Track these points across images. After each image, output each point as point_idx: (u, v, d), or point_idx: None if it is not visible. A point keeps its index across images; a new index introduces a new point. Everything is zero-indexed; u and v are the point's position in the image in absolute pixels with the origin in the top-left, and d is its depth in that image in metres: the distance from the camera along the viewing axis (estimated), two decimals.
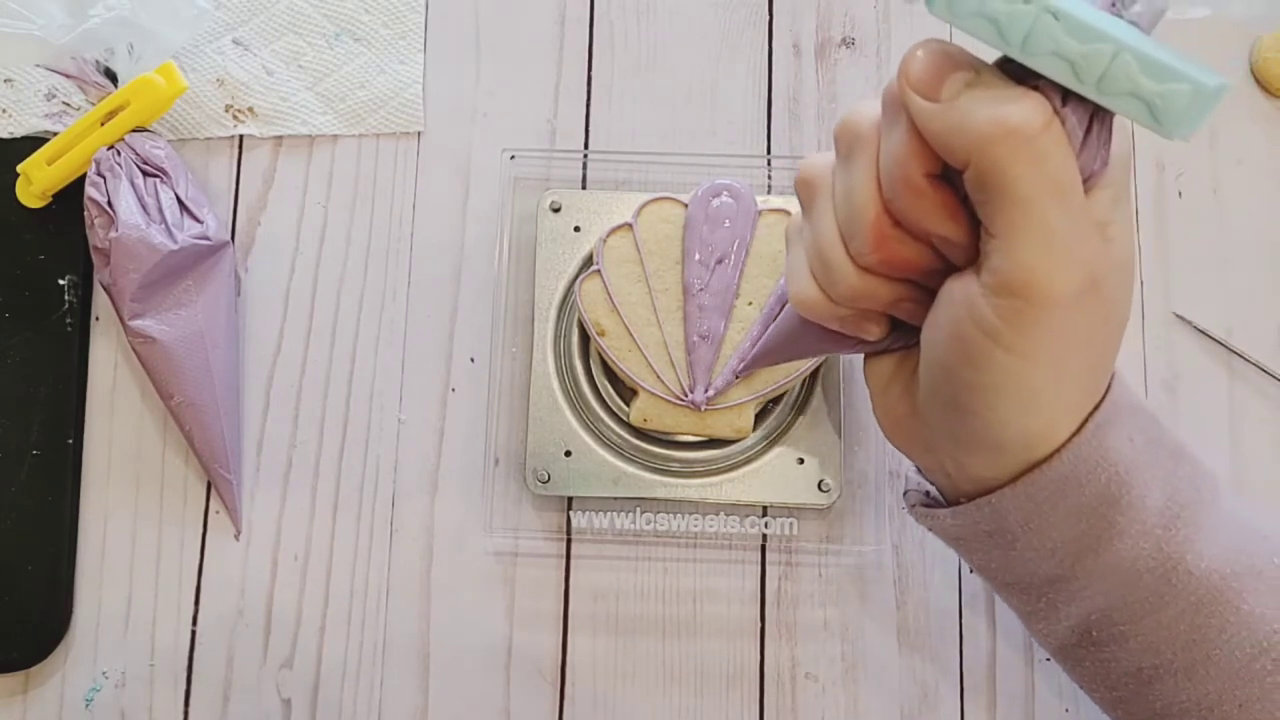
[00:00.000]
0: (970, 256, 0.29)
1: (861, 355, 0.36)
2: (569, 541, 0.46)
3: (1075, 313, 0.28)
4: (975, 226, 0.29)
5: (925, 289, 0.32)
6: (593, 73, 0.50)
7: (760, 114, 0.50)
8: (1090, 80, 0.26)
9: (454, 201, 0.49)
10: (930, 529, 0.36)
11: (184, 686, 0.45)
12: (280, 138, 0.50)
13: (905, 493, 0.38)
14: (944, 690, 0.45)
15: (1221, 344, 0.47)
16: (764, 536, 0.46)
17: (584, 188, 0.48)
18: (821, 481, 0.44)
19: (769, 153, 0.49)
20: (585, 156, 0.49)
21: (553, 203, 0.46)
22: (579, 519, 0.46)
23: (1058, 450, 0.31)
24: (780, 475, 0.45)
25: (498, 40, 0.51)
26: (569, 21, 0.51)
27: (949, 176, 0.29)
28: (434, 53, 0.50)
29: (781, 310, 0.37)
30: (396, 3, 0.50)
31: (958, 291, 0.29)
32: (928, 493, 0.36)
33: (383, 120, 0.49)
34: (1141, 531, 0.31)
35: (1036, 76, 0.26)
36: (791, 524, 0.45)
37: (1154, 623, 0.32)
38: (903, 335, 0.34)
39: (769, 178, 0.48)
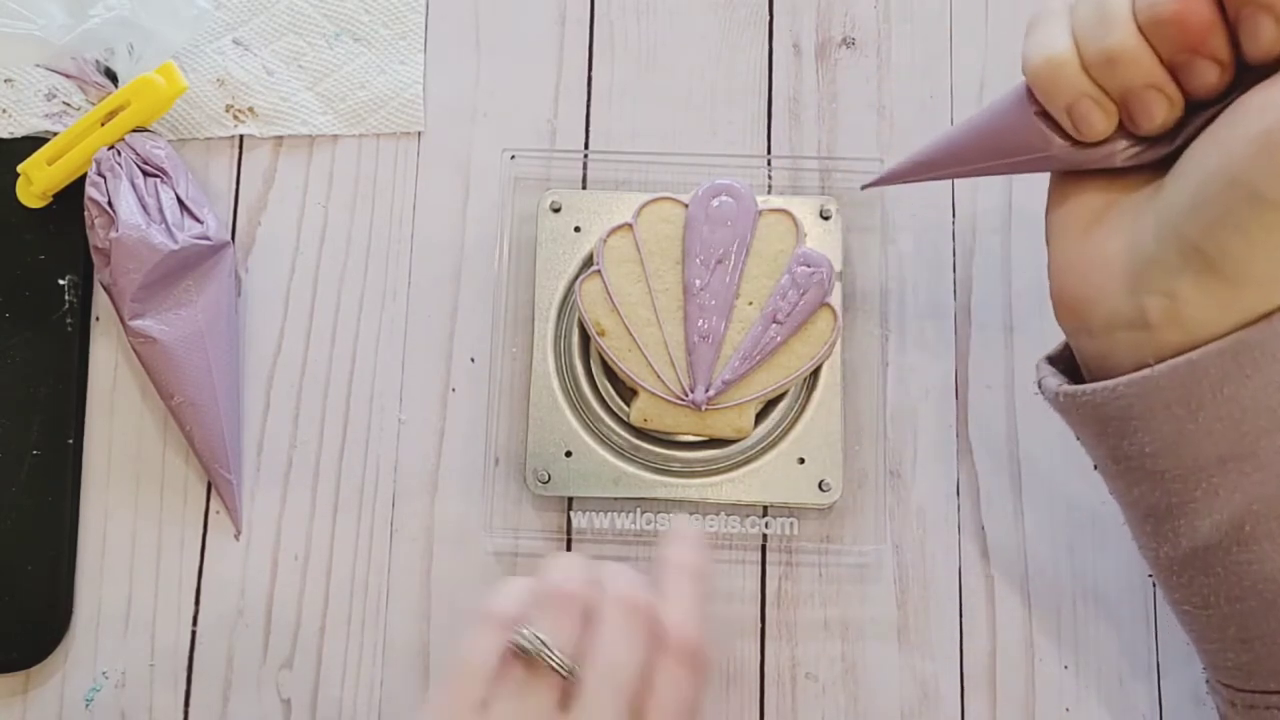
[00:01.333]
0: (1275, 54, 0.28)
1: None
2: (569, 542, 0.46)
3: None
4: None
5: (1176, 97, 0.31)
6: (593, 73, 0.50)
7: (760, 114, 0.50)
8: None
9: (454, 201, 0.49)
10: (1083, 410, 0.33)
11: (184, 686, 0.45)
12: (280, 138, 0.50)
13: (1040, 380, 0.36)
14: (944, 690, 0.45)
15: None
16: (764, 536, 0.46)
17: (584, 188, 0.48)
18: (822, 481, 0.44)
19: (769, 153, 0.49)
20: (585, 157, 0.49)
21: (553, 203, 0.46)
22: (579, 519, 0.46)
23: None
24: (780, 475, 0.45)
25: (498, 40, 0.51)
26: (569, 21, 0.51)
27: None
28: (434, 53, 0.50)
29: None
30: (396, 3, 0.50)
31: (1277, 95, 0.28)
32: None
33: (383, 120, 0.49)
34: None
35: None
36: (792, 524, 0.45)
37: None
38: (1117, 144, 0.32)
39: (769, 177, 0.48)
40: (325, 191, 0.49)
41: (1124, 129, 0.32)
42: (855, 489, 0.46)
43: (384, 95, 0.50)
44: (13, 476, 0.45)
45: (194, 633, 0.46)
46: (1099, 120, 0.32)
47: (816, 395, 0.45)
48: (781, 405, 0.46)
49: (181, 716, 0.45)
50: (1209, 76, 0.30)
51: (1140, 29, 0.30)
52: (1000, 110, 0.34)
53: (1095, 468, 0.36)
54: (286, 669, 0.45)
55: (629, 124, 0.50)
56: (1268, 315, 0.30)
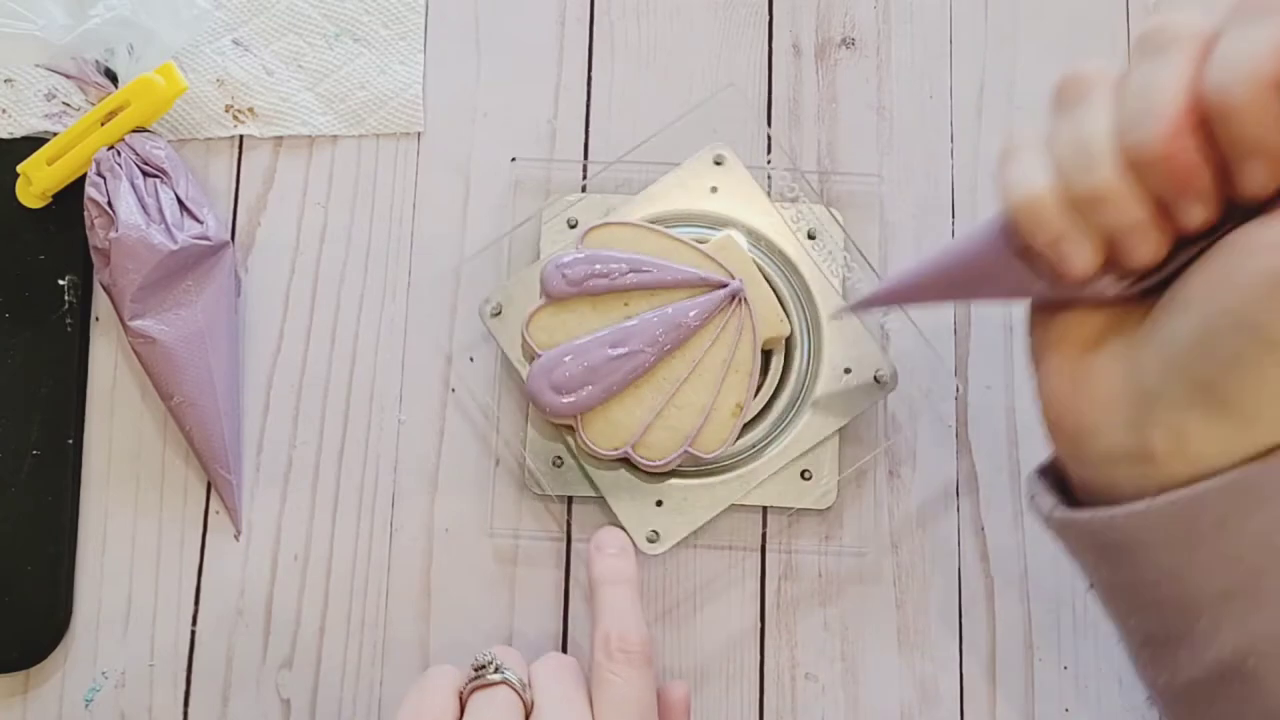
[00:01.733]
0: (1268, 188, 0.27)
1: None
2: (569, 541, 0.46)
3: None
4: None
5: (1163, 230, 0.29)
6: (593, 73, 0.50)
7: (760, 114, 0.50)
8: None
9: (454, 202, 0.49)
10: (1076, 537, 0.33)
11: (184, 687, 0.45)
12: (280, 138, 0.50)
13: (1032, 496, 0.35)
14: (944, 690, 0.45)
15: None
16: (763, 537, 0.46)
17: (584, 190, 0.48)
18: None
19: (769, 153, 0.49)
20: (585, 165, 0.49)
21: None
22: (579, 519, 0.46)
23: None
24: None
25: (498, 40, 0.51)
26: (569, 21, 0.51)
27: None
28: (434, 53, 0.50)
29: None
30: (396, 3, 0.50)
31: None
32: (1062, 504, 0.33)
33: (383, 120, 0.49)
34: None
35: None
36: (791, 524, 0.45)
37: None
38: (1102, 280, 0.31)
39: (768, 178, 0.48)
40: (325, 191, 0.49)
41: (1111, 263, 0.31)
42: (855, 489, 0.46)
43: (384, 95, 0.50)
44: (13, 476, 0.45)
45: (194, 633, 0.46)
46: (1086, 260, 0.30)
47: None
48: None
49: (181, 716, 0.45)
50: (1198, 215, 0.29)
51: (1125, 166, 0.29)
52: (978, 245, 0.33)
53: (1089, 587, 0.35)
54: (286, 669, 0.45)
55: (629, 124, 0.49)
56: (1272, 450, 0.29)
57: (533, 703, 0.35)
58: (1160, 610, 0.32)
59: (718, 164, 0.47)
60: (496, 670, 0.35)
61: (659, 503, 0.44)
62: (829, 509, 0.45)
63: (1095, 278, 0.31)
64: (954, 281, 0.34)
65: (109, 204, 0.44)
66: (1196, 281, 0.29)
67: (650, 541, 0.44)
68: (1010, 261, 0.31)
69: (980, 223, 0.33)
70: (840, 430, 0.45)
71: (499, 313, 0.45)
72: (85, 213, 0.45)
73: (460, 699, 0.36)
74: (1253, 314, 0.28)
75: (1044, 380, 0.33)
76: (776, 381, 0.45)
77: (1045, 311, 0.34)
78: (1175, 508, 0.30)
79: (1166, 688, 0.33)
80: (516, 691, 0.35)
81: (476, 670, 0.36)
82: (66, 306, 0.47)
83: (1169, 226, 0.29)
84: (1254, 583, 0.29)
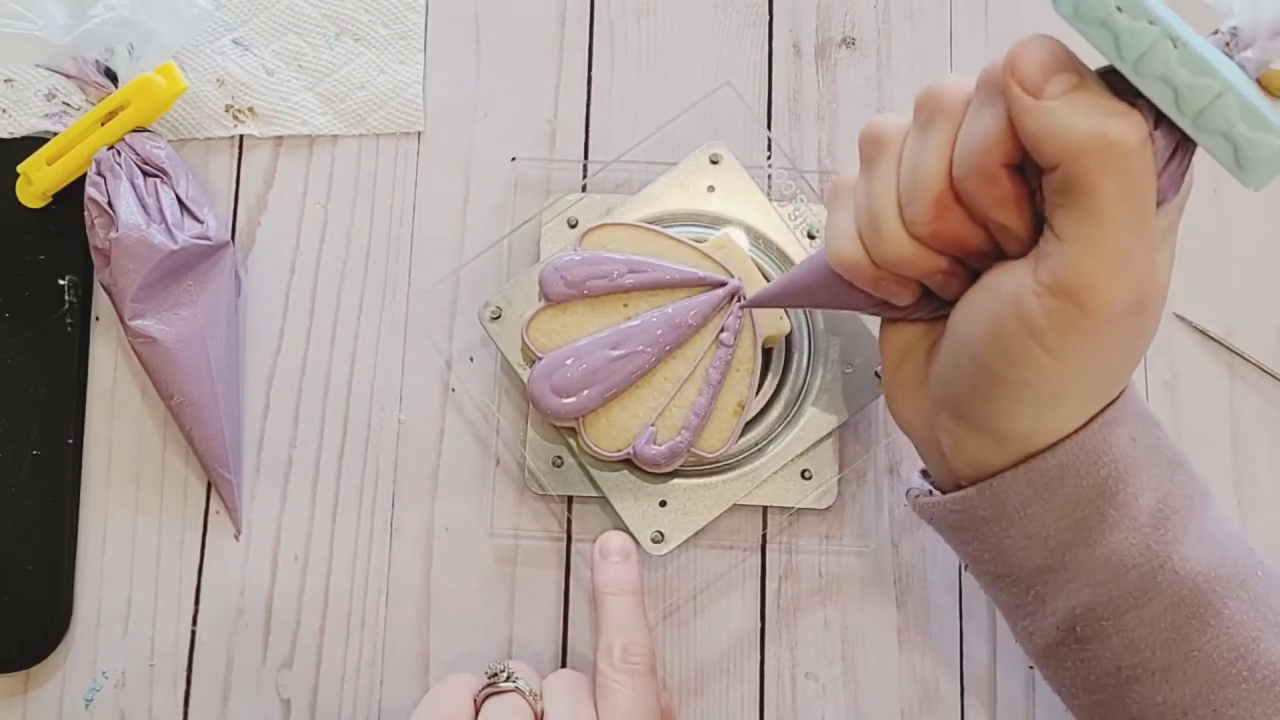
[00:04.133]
0: (1024, 248, 0.30)
1: (878, 319, 0.37)
2: (569, 541, 0.46)
3: (1119, 327, 0.29)
4: (1037, 221, 0.30)
5: (966, 266, 0.32)
6: (593, 72, 0.50)
7: (760, 114, 0.50)
8: (1190, 112, 0.26)
9: (454, 202, 0.49)
10: (930, 519, 0.37)
11: (184, 687, 0.45)
12: (280, 138, 0.50)
13: (908, 490, 0.38)
14: (944, 690, 0.45)
15: (1221, 344, 0.47)
16: (764, 536, 0.46)
17: (584, 190, 0.48)
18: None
19: (768, 152, 0.49)
20: (585, 165, 0.49)
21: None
22: (580, 519, 0.46)
23: (1062, 440, 0.32)
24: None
25: (498, 40, 0.51)
26: (569, 21, 0.51)
27: (1023, 168, 0.29)
28: (434, 53, 0.50)
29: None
30: (396, 3, 0.50)
31: (1006, 283, 0.30)
32: (930, 491, 0.37)
33: (383, 120, 0.49)
34: (1132, 527, 0.32)
35: (1135, 95, 0.26)
36: (792, 523, 0.45)
37: (1136, 619, 0.33)
38: (927, 305, 0.34)
39: (769, 178, 0.48)
40: (325, 191, 0.49)
41: (926, 293, 0.34)
42: (855, 488, 0.46)
43: (384, 95, 0.50)
44: (13, 476, 0.45)
45: (194, 633, 0.46)
46: (902, 293, 0.34)
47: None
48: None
49: (181, 716, 0.45)
50: (981, 264, 0.32)
51: (910, 235, 0.32)
52: (821, 271, 0.36)
53: (965, 567, 0.38)
54: (286, 669, 0.45)
55: (629, 124, 0.49)
56: (1051, 446, 0.32)
57: (543, 712, 0.36)
58: (1001, 584, 0.36)
59: (714, 163, 0.47)
60: (509, 679, 0.37)
61: (662, 503, 0.44)
62: (829, 508, 0.45)
63: (913, 306, 0.34)
64: (811, 294, 0.37)
65: (109, 204, 0.44)
66: (955, 315, 0.33)
67: (655, 542, 0.44)
68: (846, 290, 0.35)
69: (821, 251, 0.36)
70: (840, 428, 0.45)
71: (498, 316, 0.45)
72: (85, 213, 0.45)
73: (474, 704, 0.37)
74: (981, 352, 0.31)
75: (883, 376, 0.37)
76: (777, 380, 0.45)
77: (886, 320, 0.37)
78: (982, 496, 0.34)
79: (1031, 653, 0.37)
80: (527, 700, 0.36)
81: (490, 678, 0.37)
82: (66, 306, 0.47)
83: (964, 270, 0.33)
84: (1060, 560, 0.33)
